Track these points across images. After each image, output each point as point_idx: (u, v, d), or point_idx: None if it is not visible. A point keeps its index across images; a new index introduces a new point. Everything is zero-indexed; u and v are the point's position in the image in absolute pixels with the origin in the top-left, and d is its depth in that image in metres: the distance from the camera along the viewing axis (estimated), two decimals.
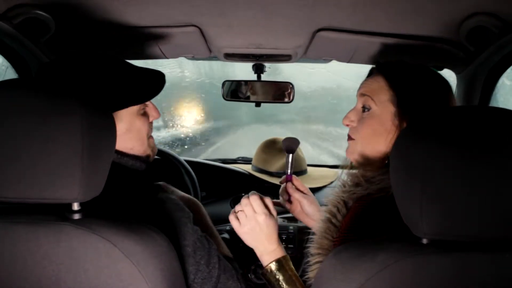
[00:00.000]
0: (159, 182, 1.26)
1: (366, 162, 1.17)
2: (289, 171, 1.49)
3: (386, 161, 1.14)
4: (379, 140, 1.13)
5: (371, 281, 0.75)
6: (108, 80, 1.09)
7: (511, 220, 0.71)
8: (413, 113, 1.09)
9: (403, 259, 0.75)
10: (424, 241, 0.77)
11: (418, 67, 1.16)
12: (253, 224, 1.19)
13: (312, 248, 1.18)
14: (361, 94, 1.17)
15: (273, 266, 1.19)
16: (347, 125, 1.20)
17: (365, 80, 1.21)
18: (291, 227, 1.92)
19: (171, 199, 1.14)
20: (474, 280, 0.74)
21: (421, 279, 0.74)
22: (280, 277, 1.18)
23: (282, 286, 1.18)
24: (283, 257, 1.21)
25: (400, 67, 1.15)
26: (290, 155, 1.51)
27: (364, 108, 1.16)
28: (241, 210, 1.21)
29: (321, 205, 1.29)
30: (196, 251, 1.11)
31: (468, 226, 0.72)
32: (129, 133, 1.16)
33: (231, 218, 1.22)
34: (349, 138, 1.20)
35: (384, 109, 1.13)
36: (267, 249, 1.21)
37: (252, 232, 1.21)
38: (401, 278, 0.74)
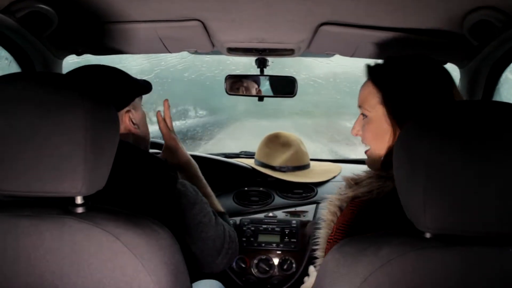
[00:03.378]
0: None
1: (375, 166, 1.20)
2: None
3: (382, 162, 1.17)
4: (381, 142, 1.16)
5: (374, 275, 0.75)
6: (125, 77, 1.34)
7: None
8: (403, 109, 1.11)
9: (406, 253, 0.75)
10: (427, 235, 0.77)
11: (410, 61, 1.15)
12: None
13: (319, 252, 1.23)
14: (358, 105, 1.22)
15: None
16: (356, 135, 1.25)
17: (360, 88, 1.24)
18: (293, 222, 1.93)
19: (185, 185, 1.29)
20: (477, 274, 0.74)
21: (424, 273, 0.74)
22: None
23: None
24: None
25: (386, 67, 1.17)
26: None
27: (363, 115, 1.20)
28: None
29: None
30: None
31: (471, 220, 0.72)
32: (144, 120, 1.40)
33: None
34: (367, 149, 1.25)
35: (377, 112, 1.16)
36: None
37: None
38: (404, 272, 0.75)
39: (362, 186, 1.12)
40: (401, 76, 1.13)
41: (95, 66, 1.32)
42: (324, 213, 1.21)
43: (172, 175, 1.26)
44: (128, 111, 1.33)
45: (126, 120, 1.33)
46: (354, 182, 1.16)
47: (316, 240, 1.24)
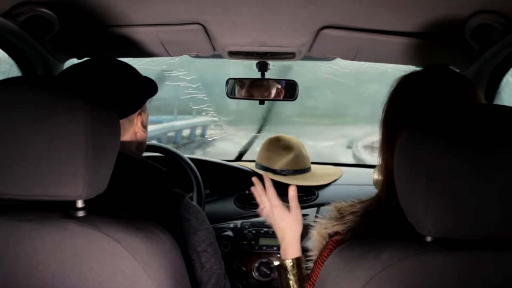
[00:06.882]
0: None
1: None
2: None
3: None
4: None
5: (375, 279, 0.75)
6: (137, 76, 1.24)
7: None
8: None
9: (408, 257, 0.75)
10: (429, 239, 0.77)
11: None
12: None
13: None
14: None
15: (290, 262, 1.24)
16: None
17: None
18: None
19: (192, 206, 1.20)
20: (479, 278, 0.74)
21: (425, 277, 0.74)
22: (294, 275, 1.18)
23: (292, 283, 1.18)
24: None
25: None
26: None
27: None
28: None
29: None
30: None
31: (473, 224, 0.72)
32: (146, 126, 1.28)
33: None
34: None
35: None
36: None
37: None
38: (405, 276, 0.74)
39: (343, 222, 1.00)
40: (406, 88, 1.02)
41: (107, 60, 1.21)
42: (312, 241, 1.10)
43: (176, 194, 1.16)
44: (140, 113, 1.23)
45: (138, 123, 1.23)
46: (339, 215, 1.02)
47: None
